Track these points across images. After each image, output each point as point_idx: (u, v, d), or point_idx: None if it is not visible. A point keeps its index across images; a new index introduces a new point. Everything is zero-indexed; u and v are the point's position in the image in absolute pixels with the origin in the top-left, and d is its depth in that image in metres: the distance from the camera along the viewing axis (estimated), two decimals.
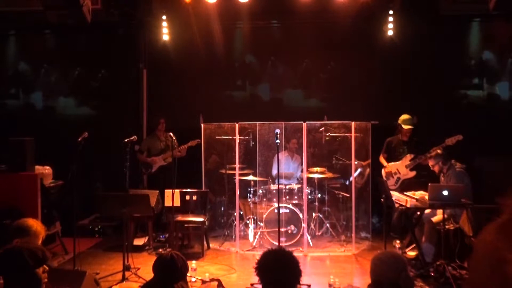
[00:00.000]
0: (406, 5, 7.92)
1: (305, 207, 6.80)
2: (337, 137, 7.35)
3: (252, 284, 5.10)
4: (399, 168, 6.86)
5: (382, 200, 6.20)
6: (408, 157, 6.78)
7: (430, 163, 6.16)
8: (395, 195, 6.01)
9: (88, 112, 8.84)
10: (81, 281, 4.04)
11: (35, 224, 3.50)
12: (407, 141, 6.98)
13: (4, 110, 8.99)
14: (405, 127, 6.91)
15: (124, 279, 5.39)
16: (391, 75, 8.24)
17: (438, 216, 5.67)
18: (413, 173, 6.76)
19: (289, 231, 6.75)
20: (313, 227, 7.27)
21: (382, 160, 7.11)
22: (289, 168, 7.65)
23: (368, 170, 7.28)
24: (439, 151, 6.12)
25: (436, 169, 6.11)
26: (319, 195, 7.33)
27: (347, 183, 7.38)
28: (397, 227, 6.80)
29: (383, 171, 7.04)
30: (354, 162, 6.84)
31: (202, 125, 7.22)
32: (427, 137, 7.02)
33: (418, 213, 5.90)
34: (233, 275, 5.72)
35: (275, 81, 8.74)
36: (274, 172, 7.38)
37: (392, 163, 6.96)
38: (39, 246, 2.99)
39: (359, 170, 7.27)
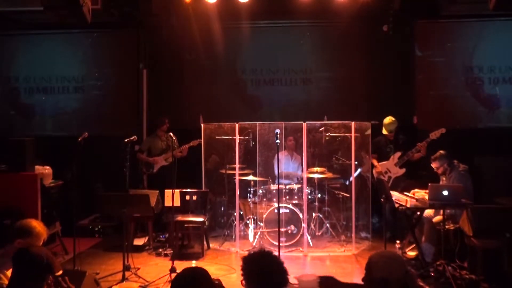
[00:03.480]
0: (406, 6, 7.92)
1: (305, 207, 6.80)
2: (337, 137, 7.35)
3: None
4: (389, 167, 7.03)
5: (382, 200, 6.21)
6: (396, 155, 6.96)
7: (435, 165, 6.11)
8: (395, 195, 6.00)
9: (88, 112, 8.83)
10: (81, 281, 4.04)
11: (38, 226, 3.51)
12: (393, 140, 7.15)
13: (5, 110, 8.99)
14: (384, 132, 7.15)
15: (124, 279, 5.38)
16: (391, 75, 8.24)
17: (438, 216, 5.68)
18: (402, 171, 6.95)
19: (289, 231, 6.75)
20: (313, 227, 7.27)
21: (373, 161, 7.22)
22: (289, 167, 7.65)
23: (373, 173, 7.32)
24: (439, 153, 6.11)
25: (440, 170, 6.08)
26: (319, 195, 7.33)
27: (347, 183, 7.38)
28: (390, 222, 6.82)
29: (374, 172, 7.15)
30: (354, 162, 6.85)
31: (202, 125, 7.22)
32: (406, 135, 7.23)
33: (418, 213, 5.90)
34: (233, 275, 5.72)
35: (275, 81, 8.75)
36: (277, 172, 7.37)
37: (382, 162, 7.11)
38: (51, 256, 3.02)
39: (359, 170, 7.28)
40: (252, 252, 2.69)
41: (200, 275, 2.56)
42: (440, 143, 6.33)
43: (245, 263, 2.62)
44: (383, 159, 7.15)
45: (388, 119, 7.16)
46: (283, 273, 2.60)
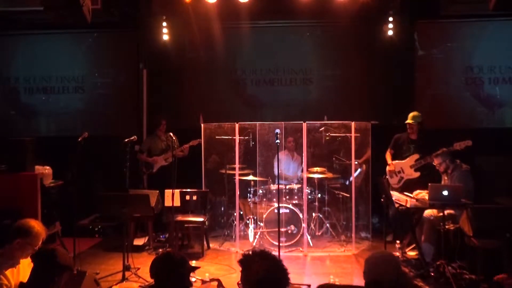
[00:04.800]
0: (406, 6, 7.92)
1: (305, 207, 6.80)
2: (337, 137, 7.34)
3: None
4: (403, 167, 6.68)
5: (382, 200, 6.20)
6: (414, 157, 6.58)
7: (436, 161, 6.07)
8: (395, 195, 6.01)
9: (88, 112, 8.83)
10: (81, 281, 4.03)
11: (37, 225, 3.51)
12: (416, 140, 6.76)
13: (5, 110, 8.99)
14: (408, 121, 6.73)
15: (124, 279, 5.39)
16: (391, 75, 8.24)
17: (434, 210, 5.67)
18: (417, 174, 6.55)
19: (289, 231, 6.75)
20: (313, 227, 7.28)
21: (387, 156, 6.93)
22: (290, 167, 7.66)
23: (364, 166, 7.27)
24: (441, 150, 6.05)
25: (442, 168, 6.03)
26: (319, 195, 7.33)
27: (347, 183, 7.38)
28: (392, 224, 6.79)
29: (387, 170, 6.88)
30: (354, 162, 6.84)
31: (202, 125, 7.22)
32: (429, 139, 6.91)
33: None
34: (233, 275, 5.71)
35: (275, 81, 8.75)
36: (276, 172, 7.36)
37: (397, 161, 6.79)
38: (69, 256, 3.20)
39: (359, 170, 7.27)
40: (250, 253, 2.52)
41: (176, 258, 2.86)
42: (440, 142, 6.32)
43: (244, 266, 2.48)
44: (400, 157, 6.81)
45: (414, 112, 6.82)
46: (286, 274, 2.47)
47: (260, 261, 2.45)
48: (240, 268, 2.49)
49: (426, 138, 6.75)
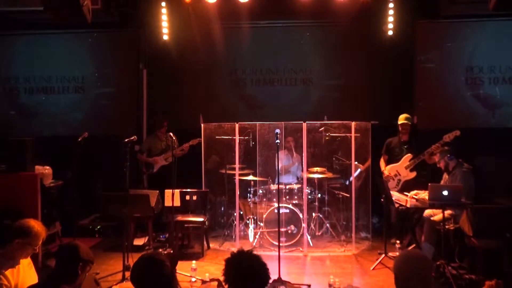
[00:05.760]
0: (406, 6, 7.92)
1: (305, 207, 6.80)
2: (337, 137, 7.34)
3: None
4: (399, 169, 6.76)
5: (382, 200, 6.20)
6: (407, 157, 6.68)
7: (436, 159, 6.13)
8: (395, 195, 6.01)
9: (88, 112, 8.83)
10: None
11: (36, 225, 3.51)
12: (407, 141, 6.87)
13: (5, 110, 8.99)
14: (399, 121, 6.84)
15: (124, 279, 5.39)
16: (391, 75, 8.24)
17: (438, 215, 5.67)
18: (413, 174, 6.66)
19: (289, 231, 6.76)
20: (313, 227, 7.28)
21: (381, 163, 7.02)
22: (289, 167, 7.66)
23: (364, 173, 7.26)
24: (445, 147, 6.10)
25: (442, 165, 6.07)
26: (319, 195, 7.33)
27: (347, 183, 7.38)
28: (396, 227, 6.79)
29: (383, 175, 6.94)
30: (354, 162, 6.84)
31: (202, 125, 7.22)
32: (428, 138, 6.91)
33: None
34: None
35: (275, 81, 8.75)
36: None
37: (391, 165, 6.86)
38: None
39: (359, 170, 7.27)
40: (233, 253, 2.66)
41: (156, 260, 2.80)
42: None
43: (228, 265, 2.60)
44: (394, 160, 6.88)
45: (404, 114, 6.94)
46: (266, 272, 2.60)
47: (239, 264, 2.58)
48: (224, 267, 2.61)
49: (417, 137, 6.87)
